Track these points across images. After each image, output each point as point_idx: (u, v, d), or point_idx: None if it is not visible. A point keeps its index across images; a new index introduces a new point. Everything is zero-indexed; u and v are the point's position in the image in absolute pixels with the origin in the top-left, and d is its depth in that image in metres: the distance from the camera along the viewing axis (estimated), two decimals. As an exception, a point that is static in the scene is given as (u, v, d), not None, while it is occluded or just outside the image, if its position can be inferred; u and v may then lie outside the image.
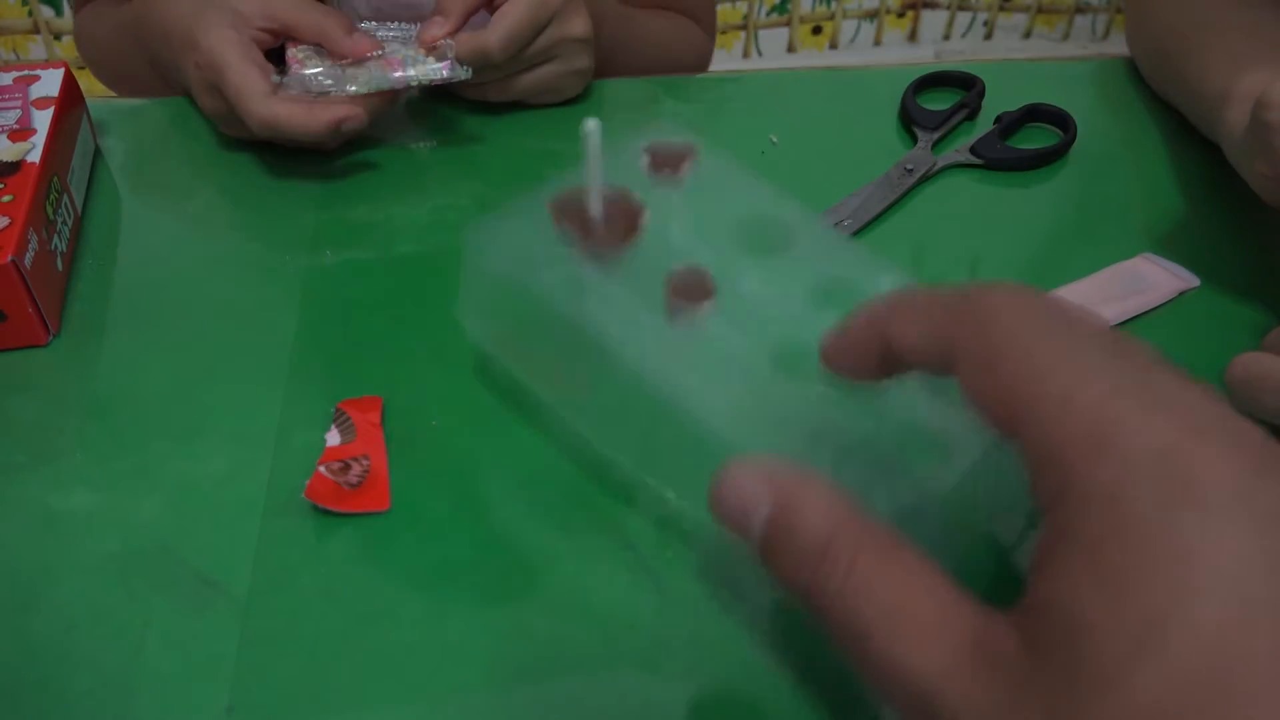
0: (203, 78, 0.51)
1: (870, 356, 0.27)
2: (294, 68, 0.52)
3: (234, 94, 0.49)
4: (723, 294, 0.33)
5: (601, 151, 0.32)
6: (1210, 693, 0.18)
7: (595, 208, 0.33)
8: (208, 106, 0.53)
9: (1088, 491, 0.21)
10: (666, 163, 0.37)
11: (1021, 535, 0.33)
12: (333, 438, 0.39)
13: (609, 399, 0.34)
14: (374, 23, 0.56)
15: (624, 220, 0.34)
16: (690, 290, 0.32)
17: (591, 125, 0.31)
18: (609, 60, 0.61)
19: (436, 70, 0.52)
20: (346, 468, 0.37)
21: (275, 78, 0.51)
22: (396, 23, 0.56)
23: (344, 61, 0.52)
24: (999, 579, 0.32)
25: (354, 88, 0.52)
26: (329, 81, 0.51)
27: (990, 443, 0.27)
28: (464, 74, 0.53)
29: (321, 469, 0.37)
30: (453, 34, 0.53)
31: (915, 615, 0.22)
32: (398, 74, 0.52)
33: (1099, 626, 0.19)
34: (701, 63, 0.78)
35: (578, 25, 0.56)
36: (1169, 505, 0.20)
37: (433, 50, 0.53)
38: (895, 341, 0.26)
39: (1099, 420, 0.21)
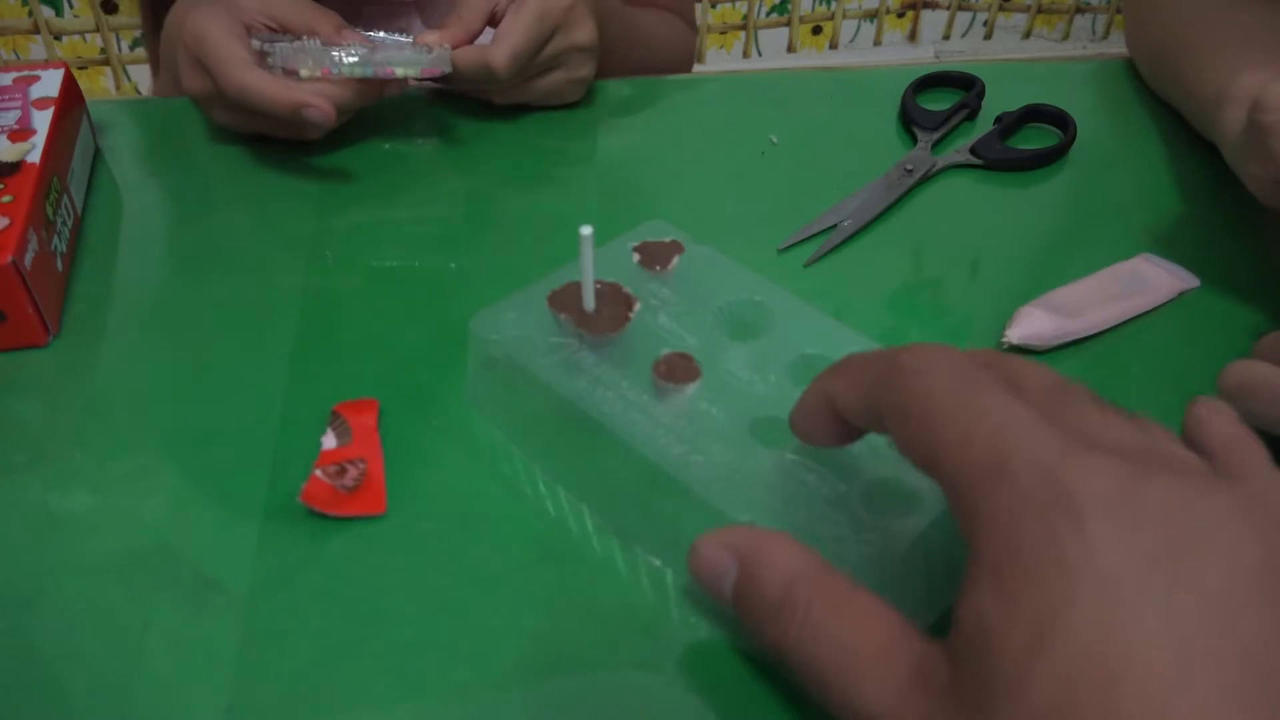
0: (188, 55, 0.51)
1: (825, 422, 0.30)
2: (280, 46, 0.52)
3: (213, 61, 0.50)
4: (708, 375, 0.36)
5: (594, 250, 0.35)
6: (1097, 681, 0.20)
7: (589, 301, 0.36)
8: (192, 85, 0.52)
9: (988, 515, 0.23)
10: (656, 259, 0.40)
11: None
12: (329, 441, 0.39)
13: (602, 472, 0.36)
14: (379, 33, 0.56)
15: (616, 311, 0.37)
16: (677, 372, 0.36)
17: (586, 231, 0.34)
18: (604, 59, 0.61)
19: (423, 60, 0.52)
20: (342, 471, 0.37)
21: (256, 43, 0.51)
22: (394, 34, 0.56)
23: (333, 46, 0.52)
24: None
25: (338, 70, 0.51)
26: (312, 57, 0.51)
27: None
28: (448, 67, 0.53)
29: (318, 472, 0.37)
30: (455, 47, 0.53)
31: (864, 651, 0.25)
32: (383, 62, 0.52)
33: (1000, 635, 0.21)
34: (689, 57, 0.78)
35: (583, 33, 0.56)
36: (1050, 518, 0.22)
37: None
38: (837, 406, 0.29)
39: (993, 450, 0.23)
